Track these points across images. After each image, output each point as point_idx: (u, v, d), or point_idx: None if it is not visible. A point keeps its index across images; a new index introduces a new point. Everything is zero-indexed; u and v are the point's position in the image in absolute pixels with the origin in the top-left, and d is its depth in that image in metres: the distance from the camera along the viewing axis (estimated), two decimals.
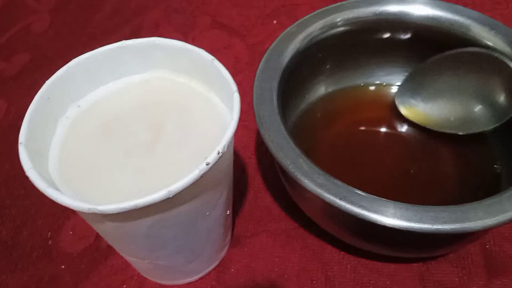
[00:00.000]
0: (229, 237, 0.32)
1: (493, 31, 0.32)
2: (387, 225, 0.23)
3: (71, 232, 0.34)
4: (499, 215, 0.23)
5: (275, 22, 0.50)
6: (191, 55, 0.26)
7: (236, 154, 0.38)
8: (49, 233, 0.35)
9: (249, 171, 0.37)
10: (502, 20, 0.42)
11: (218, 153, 0.21)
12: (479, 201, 0.24)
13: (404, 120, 0.36)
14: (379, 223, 0.23)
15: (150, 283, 0.31)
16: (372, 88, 0.38)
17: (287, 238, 0.33)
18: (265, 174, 0.37)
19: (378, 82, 0.38)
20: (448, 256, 0.31)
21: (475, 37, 0.33)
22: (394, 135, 0.36)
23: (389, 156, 0.35)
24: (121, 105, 0.26)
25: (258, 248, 0.33)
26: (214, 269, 0.32)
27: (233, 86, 0.24)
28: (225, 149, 0.22)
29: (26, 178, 0.21)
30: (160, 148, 0.24)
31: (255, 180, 0.37)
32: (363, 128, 0.37)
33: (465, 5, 0.48)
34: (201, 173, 0.20)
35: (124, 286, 0.31)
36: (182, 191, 0.20)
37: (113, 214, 0.20)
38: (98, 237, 0.34)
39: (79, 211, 0.21)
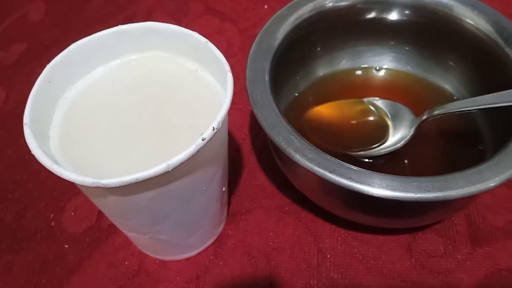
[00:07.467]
0: (225, 213, 0.33)
1: (476, 11, 0.33)
2: (374, 195, 0.24)
3: (73, 213, 0.36)
4: (479, 184, 0.24)
5: (266, 7, 0.50)
6: (186, 38, 0.27)
7: (230, 136, 0.39)
8: (52, 215, 0.36)
9: (243, 152, 0.38)
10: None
11: (213, 129, 0.22)
12: (460, 171, 0.25)
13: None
14: (366, 194, 0.24)
15: (151, 259, 0.33)
16: (361, 71, 0.39)
17: (280, 214, 0.34)
18: (259, 154, 0.38)
19: (366, 65, 0.39)
20: (434, 227, 0.33)
21: (458, 17, 0.34)
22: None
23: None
24: (119, 84, 0.27)
25: (253, 224, 0.34)
26: (212, 244, 0.33)
27: (226, 66, 0.25)
28: (220, 125, 0.23)
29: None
30: (158, 124, 0.25)
31: (250, 160, 0.38)
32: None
33: None
34: (198, 148, 0.22)
35: (126, 263, 0.33)
36: (180, 165, 0.21)
37: (116, 187, 0.21)
38: (99, 217, 0.35)
39: (83, 186, 0.22)
